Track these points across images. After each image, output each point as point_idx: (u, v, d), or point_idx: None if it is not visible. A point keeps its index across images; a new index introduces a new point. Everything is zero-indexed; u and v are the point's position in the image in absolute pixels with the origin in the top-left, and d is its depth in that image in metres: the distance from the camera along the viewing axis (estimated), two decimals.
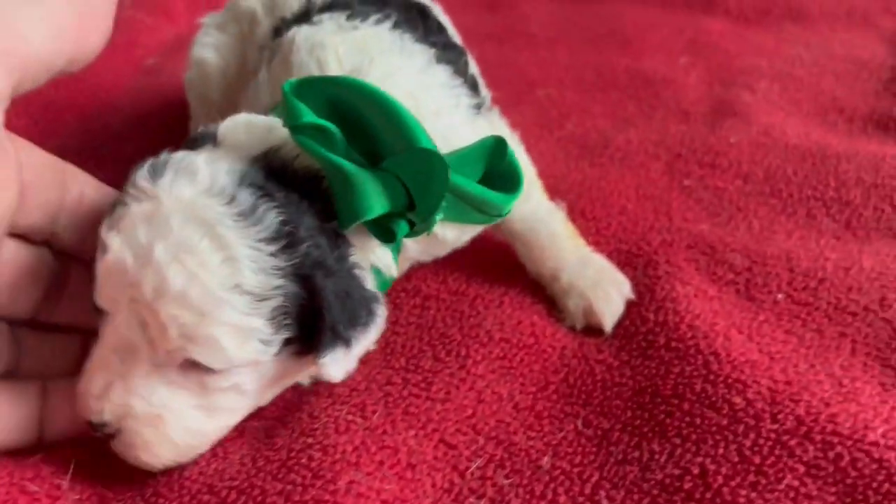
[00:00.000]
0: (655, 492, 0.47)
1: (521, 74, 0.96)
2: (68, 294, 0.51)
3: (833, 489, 0.45)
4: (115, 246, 0.43)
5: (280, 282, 0.43)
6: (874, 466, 0.45)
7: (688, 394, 0.52)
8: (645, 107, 0.88)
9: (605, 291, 0.60)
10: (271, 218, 0.43)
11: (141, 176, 0.45)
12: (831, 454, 0.46)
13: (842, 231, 0.68)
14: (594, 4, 1.12)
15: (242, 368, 0.45)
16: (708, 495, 0.45)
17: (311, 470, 0.47)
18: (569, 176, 0.76)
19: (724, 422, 0.49)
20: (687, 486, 0.46)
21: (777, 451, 0.47)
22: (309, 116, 0.44)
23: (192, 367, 0.44)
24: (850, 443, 0.46)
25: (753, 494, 0.45)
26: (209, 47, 0.71)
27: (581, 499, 0.47)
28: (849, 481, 0.45)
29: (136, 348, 0.44)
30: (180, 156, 0.46)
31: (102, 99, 0.95)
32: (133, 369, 0.44)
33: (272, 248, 0.43)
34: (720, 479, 0.46)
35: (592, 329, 0.60)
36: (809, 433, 0.47)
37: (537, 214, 0.63)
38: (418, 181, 0.45)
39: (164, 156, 0.46)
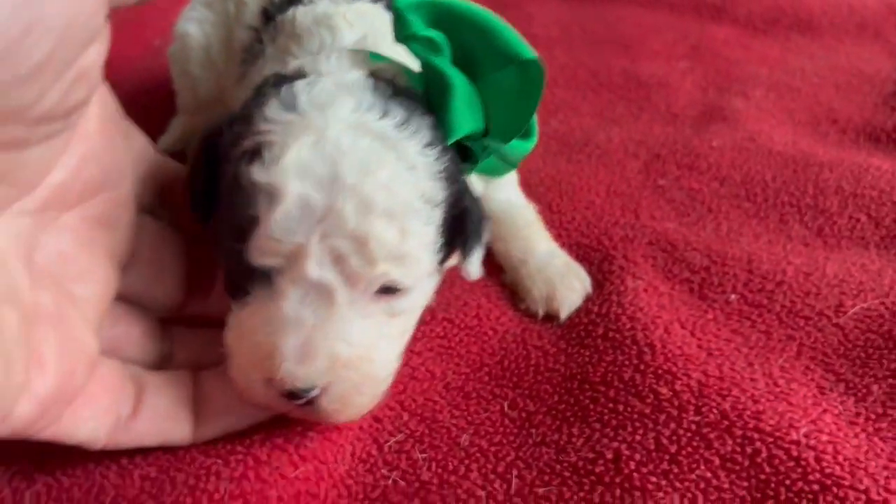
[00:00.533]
0: (567, 473, 0.46)
1: None
2: (218, 289, 0.50)
3: (745, 483, 0.44)
4: (293, 185, 0.39)
5: (444, 189, 0.44)
6: (790, 464, 0.44)
7: (615, 381, 0.51)
8: (634, 108, 0.87)
9: (570, 282, 0.61)
10: (424, 127, 0.44)
11: (275, 110, 0.42)
12: (749, 449, 0.46)
13: (812, 238, 0.67)
14: (601, 8, 1.11)
15: (421, 284, 0.45)
16: (618, 479, 0.45)
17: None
18: (542, 170, 0.76)
19: (647, 410, 0.49)
20: (598, 469, 0.46)
21: (695, 443, 0.47)
22: (420, 28, 0.46)
23: (382, 294, 0.43)
24: (770, 440, 0.46)
25: (664, 482, 0.45)
26: (193, 22, 0.73)
27: (492, 476, 0.47)
28: (762, 476, 0.44)
29: (329, 291, 0.41)
30: (303, 85, 0.44)
31: (109, 78, 0.97)
32: (329, 314, 0.41)
33: (434, 155, 0.44)
34: (632, 465, 0.46)
35: (549, 316, 0.60)
36: (731, 427, 0.47)
37: (514, 201, 0.66)
38: (509, 99, 0.46)
39: (283, 90, 0.44)
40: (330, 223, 0.40)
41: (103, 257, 0.43)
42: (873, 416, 0.49)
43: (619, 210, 0.70)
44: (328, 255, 0.40)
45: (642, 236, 0.66)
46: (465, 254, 0.48)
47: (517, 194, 0.66)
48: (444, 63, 0.46)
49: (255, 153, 0.41)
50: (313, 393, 0.42)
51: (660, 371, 0.51)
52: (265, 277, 0.42)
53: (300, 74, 0.47)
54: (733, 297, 0.60)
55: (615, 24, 1.06)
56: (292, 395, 0.41)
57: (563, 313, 0.59)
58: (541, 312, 0.60)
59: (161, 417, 0.45)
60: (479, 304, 0.60)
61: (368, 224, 0.40)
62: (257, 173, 0.40)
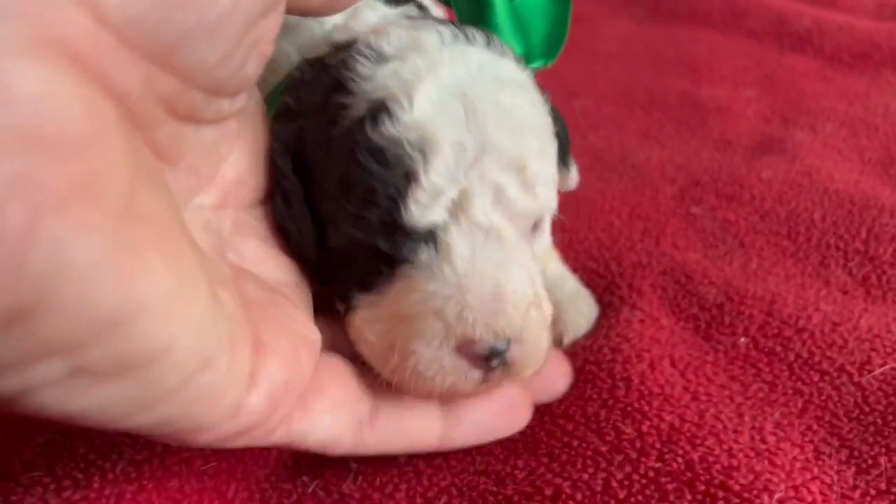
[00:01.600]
0: None
1: (564, 84, 0.92)
2: None
3: None
4: (441, 129, 0.37)
5: (546, 104, 0.43)
6: None
7: (577, 415, 0.46)
8: (684, 130, 0.81)
9: (579, 306, 0.57)
10: (517, 60, 0.43)
11: (369, 68, 0.39)
12: None
13: (853, 286, 0.60)
14: (674, 29, 1.05)
15: (549, 216, 0.44)
16: None
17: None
18: None
19: (604, 448, 0.44)
20: None
21: (648, 491, 0.41)
22: None
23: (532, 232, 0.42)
24: (736, 500, 0.40)
25: None
26: None
27: (419, 499, 0.42)
28: None
29: (499, 233, 0.38)
30: (376, 38, 0.41)
31: None
32: (506, 259, 0.38)
33: (525, 70, 0.43)
34: None
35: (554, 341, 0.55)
36: (693, 481, 0.41)
37: None
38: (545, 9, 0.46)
39: (356, 50, 0.40)
40: (486, 160, 0.37)
41: (287, 252, 0.41)
42: (873, 492, 0.42)
43: (639, 234, 0.65)
44: (490, 193, 0.38)
45: (657, 264, 0.61)
46: (566, 166, 0.47)
47: None
48: None
49: (375, 113, 0.37)
50: (512, 348, 0.38)
51: (629, 409, 0.46)
52: (421, 248, 0.38)
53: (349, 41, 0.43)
54: (743, 340, 0.53)
55: (686, 45, 1.00)
56: (493, 353, 0.37)
57: (567, 338, 0.55)
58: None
59: (407, 415, 0.41)
60: None
61: (522, 148, 0.38)
62: (391, 130, 0.37)
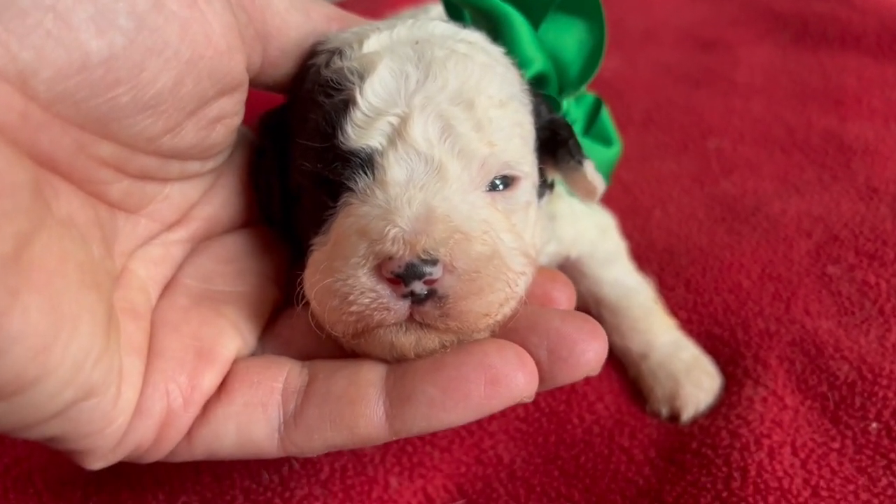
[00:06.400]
0: None
1: (699, 121, 0.89)
2: None
3: None
4: (384, 59, 0.38)
5: (526, 95, 0.43)
6: None
7: None
8: (826, 175, 0.77)
9: (697, 378, 0.55)
10: (498, 48, 0.43)
11: (335, 38, 0.42)
12: None
13: None
14: (821, 55, 0.99)
15: (527, 183, 0.41)
16: None
17: (279, 475, 0.49)
18: (692, 238, 0.69)
19: None
20: None
21: None
22: None
23: (493, 192, 0.40)
24: None
25: None
26: None
27: None
28: None
29: (440, 164, 0.37)
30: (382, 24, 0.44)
31: None
32: (444, 190, 0.37)
33: (512, 62, 0.43)
34: None
35: (673, 417, 0.55)
36: None
37: (627, 282, 0.60)
38: (572, 31, 0.46)
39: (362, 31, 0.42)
40: (430, 87, 0.38)
41: (253, 275, 0.43)
42: None
43: (769, 297, 0.62)
44: (435, 122, 0.37)
45: (786, 333, 0.58)
46: (574, 160, 0.45)
47: (628, 272, 0.60)
48: (497, 1, 0.44)
49: (330, 57, 0.40)
50: (435, 271, 0.34)
51: None
52: (360, 175, 0.38)
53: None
54: (874, 425, 0.51)
55: (833, 74, 0.94)
56: (411, 273, 0.34)
57: (687, 414, 0.54)
58: (664, 413, 0.55)
59: (340, 405, 0.37)
60: (574, 385, 0.56)
61: (471, 85, 0.38)
62: (338, 63, 0.39)
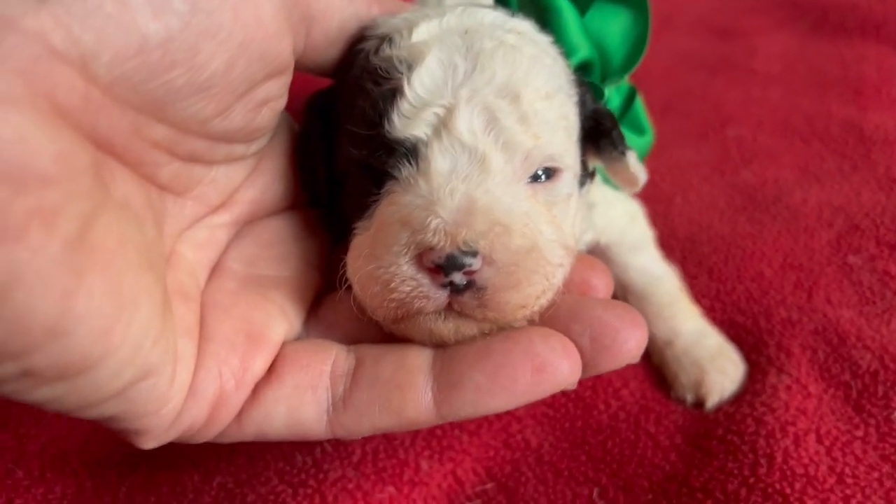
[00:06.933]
0: None
1: (717, 109, 0.89)
2: None
3: None
4: (433, 49, 0.39)
5: (572, 86, 0.43)
6: None
7: (716, 491, 0.47)
8: (846, 165, 0.77)
9: (722, 365, 0.56)
10: (545, 35, 0.44)
11: (384, 23, 0.42)
12: None
13: None
14: (840, 44, 0.99)
15: (568, 175, 0.41)
16: None
17: (312, 457, 0.50)
18: (714, 227, 0.70)
19: None
20: None
21: None
22: None
23: (536, 182, 0.40)
24: None
25: None
26: None
27: None
28: None
29: (484, 156, 0.37)
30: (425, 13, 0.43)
31: None
32: (485, 180, 0.37)
33: (559, 52, 0.43)
34: None
35: (698, 403, 0.55)
36: None
37: (654, 269, 0.60)
38: (618, 21, 0.46)
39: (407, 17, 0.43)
40: (478, 79, 0.38)
41: (295, 259, 0.44)
42: None
43: (791, 286, 0.63)
44: (480, 115, 0.37)
45: (808, 321, 0.59)
46: (617, 150, 0.45)
47: (654, 259, 0.61)
48: None
49: (379, 43, 0.41)
50: (475, 263, 0.35)
51: (770, 490, 0.46)
52: (404, 164, 0.38)
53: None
54: None
55: (852, 64, 0.94)
56: (451, 264, 0.34)
57: (711, 401, 0.54)
58: (689, 399, 0.55)
59: (388, 388, 0.37)
60: None
61: (518, 77, 0.38)
62: (387, 51, 0.39)
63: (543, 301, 0.38)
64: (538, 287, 0.37)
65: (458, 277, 0.35)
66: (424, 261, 0.35)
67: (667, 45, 1.07)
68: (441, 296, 0.36)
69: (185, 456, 0.51)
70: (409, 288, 0.36)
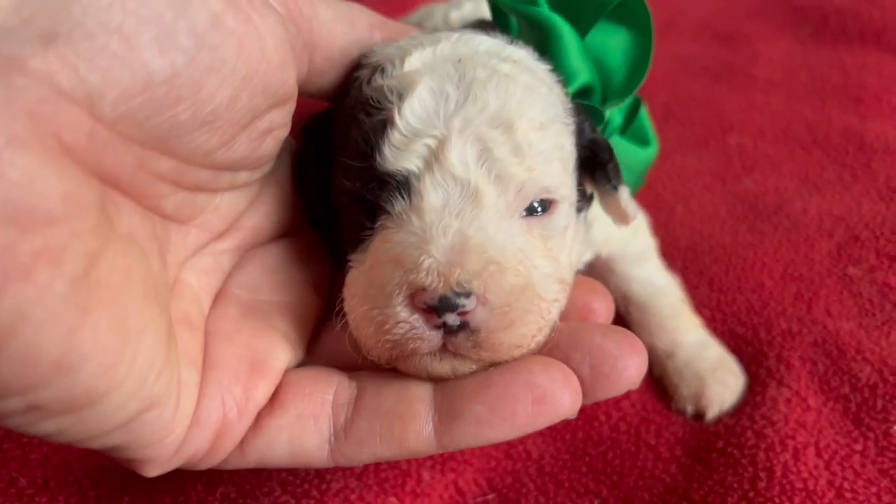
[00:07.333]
0: None
1: (719, 116, 0.89)
2: None
3: None
4: (424, 78, 0.38)
5: (569, 115, 0.42)
6: None
7: None
8: (846, 175, 0.78)
9: (722, 377, 0.56)
10: (542, 63, 0.43)
11: (380, 50, 0.42)
12: None
13: None
14: (842, 51, 0.99)
15: (564, 206, 0.41)
16: None
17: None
18: (715, 237, 0.70)
19: None
20: None
21: None
22: None
23: (530, 216, 0.39)
24: None
25: None
26: None
27: None
28: None
29: (476, 190, 0.37)
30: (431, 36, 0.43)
31: None
32: (478, 216, 0.36)
33: (557, 80, 0.43)
34: None
35: (698, 415, 0.56)
36: None
37: (656, 280, 0.60)
38: (619, 45, 0.46)
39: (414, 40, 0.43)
40: (470, 109, 0.37)
41: (297, 284, 0.44)
42: None
43: (791, 298, 0.63)
44: (472, 146, 0.37)
45: (808, 333, 0.60)
46: (610, 184, 0.44)
47: (657, 270, 0.61)
48: (546, 11, 0.44)
49: (372, 73, 0.40)
50: (469, 304, 0.34)
51: None
52: (396, 198, 0.38)
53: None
54: None
55: (852, 71, 0.94)
56: (444, 305, 0.34)
57: (712, 412, 0.55)
58: (689, 411, 0.56)
59: (389, 418, 0.37)
60: None
61: (512, 107, 0.37)
62: (379, 81, 0.39)
63: (540, 338, 0.38)
64: (533, 326, 0.37)
65: (452, 318, 0.35)
66: (417, 301, 0.35)
67: (668, 49, 1.07)
68: (435, 337, 0.36)
69: None
70: (403, 330, 0.35)
